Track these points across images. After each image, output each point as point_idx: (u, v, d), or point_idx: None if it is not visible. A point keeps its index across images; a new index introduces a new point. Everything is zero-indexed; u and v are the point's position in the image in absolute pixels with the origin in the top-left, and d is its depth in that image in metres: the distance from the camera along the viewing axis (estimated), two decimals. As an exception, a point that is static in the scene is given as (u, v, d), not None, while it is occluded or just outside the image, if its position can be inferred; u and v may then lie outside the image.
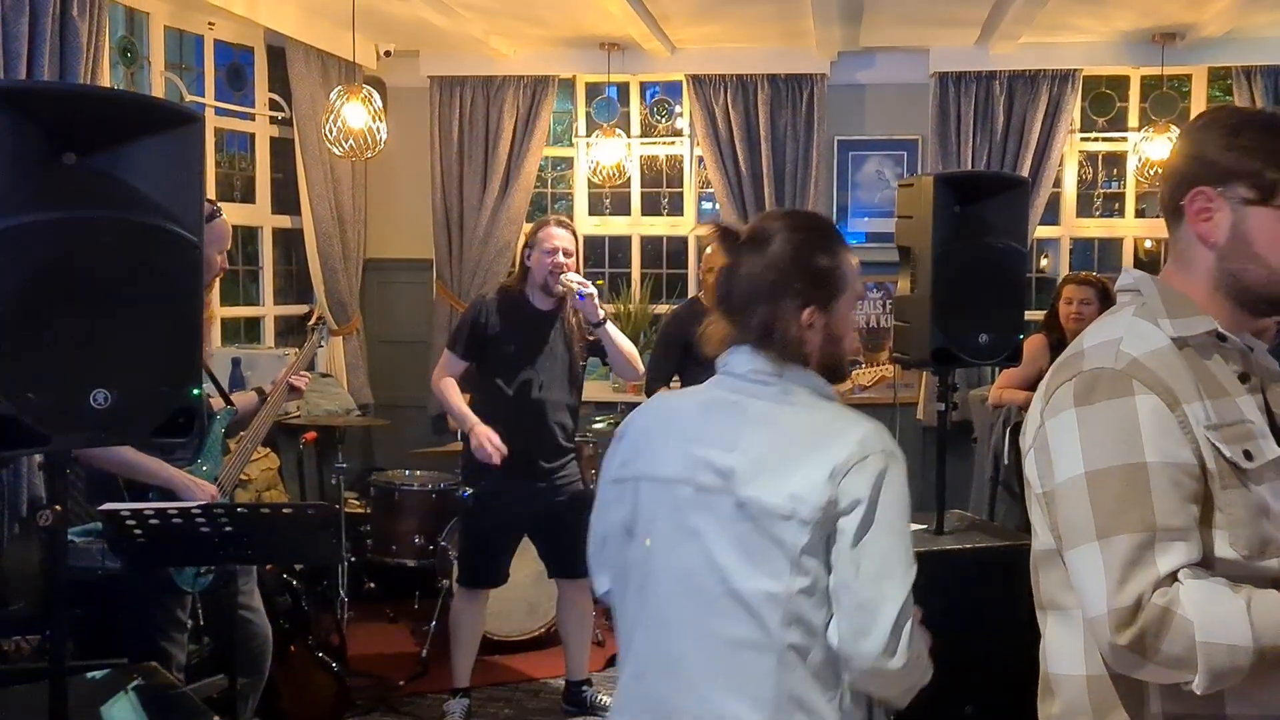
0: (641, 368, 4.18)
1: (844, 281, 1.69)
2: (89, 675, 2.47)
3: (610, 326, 4.01)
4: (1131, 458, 1.28)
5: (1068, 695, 1.42)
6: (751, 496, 1.53)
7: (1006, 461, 4.87)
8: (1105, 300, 4.69)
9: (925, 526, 4.22)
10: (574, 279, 3.87)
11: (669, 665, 1.64)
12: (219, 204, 3.16)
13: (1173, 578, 1.25)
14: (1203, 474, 1.29)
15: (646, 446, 1.77)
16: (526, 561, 4.35)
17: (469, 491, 3.97)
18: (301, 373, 3.49)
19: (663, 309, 6.40)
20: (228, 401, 3.20)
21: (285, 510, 2.72)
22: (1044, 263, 6.73)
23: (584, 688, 4.25)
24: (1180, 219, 1.42)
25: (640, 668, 1.71)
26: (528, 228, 4.10)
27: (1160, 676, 1.28)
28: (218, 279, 3.22)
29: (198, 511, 2.54)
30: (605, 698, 4.24)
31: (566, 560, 4.08)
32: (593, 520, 1.90)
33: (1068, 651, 1.41)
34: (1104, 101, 6.28)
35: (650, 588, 1.69)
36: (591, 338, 4.04)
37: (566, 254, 3.91)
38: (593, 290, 3.89)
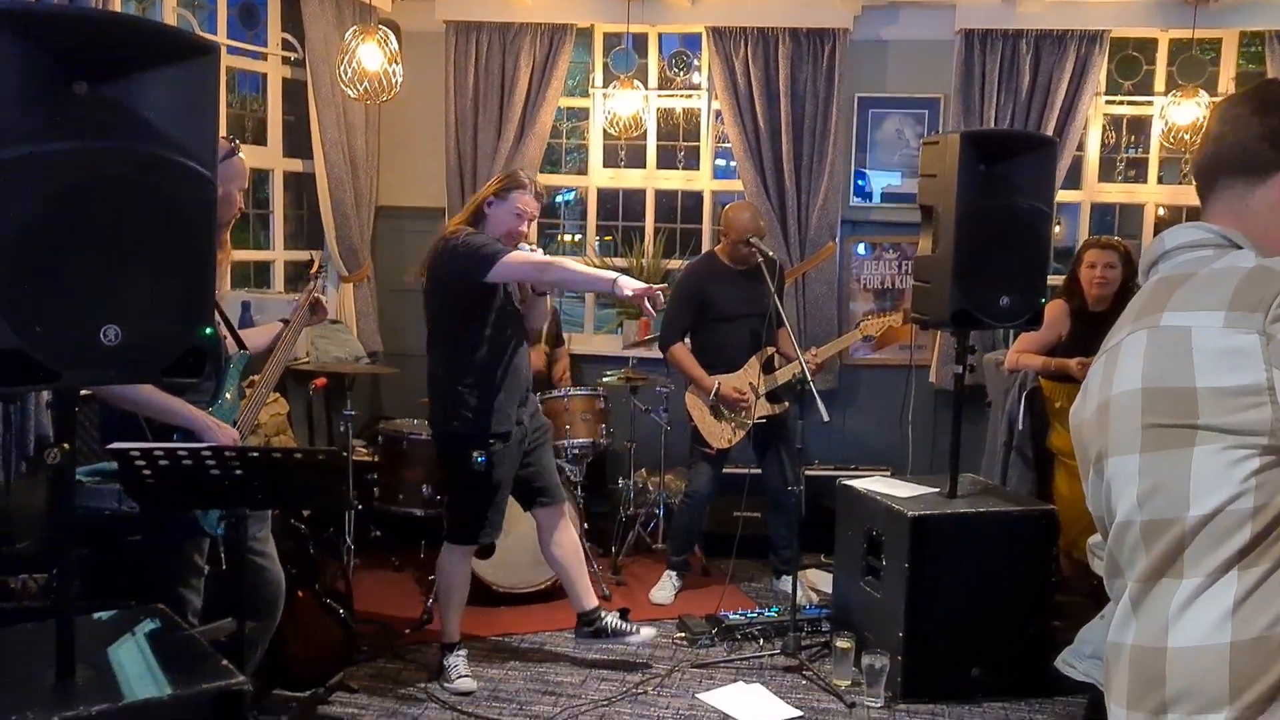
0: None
1: None
2: (96, 616, 2.45)
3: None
4: None
5: (1194, 672, 1.27)
6: None
7: (1021, 426, 4.82)
8: (1128, 265, 4.62)
9: (938, 490, 4.19)
10: (525, 250, 3.93)
11: None
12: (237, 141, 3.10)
13: None
14: None
15: None
16: (530, 515, 4.33)
17: (484, 456, 3.90)
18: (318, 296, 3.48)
19: (675, 264, 6.34)
20: (240, 345, 3.16)
21: (296, 455, 2.69)
22: (1057, 229, 6.63)
23: (598, 614, 4.23)
24: (1262, 181, 1.39)
25: None
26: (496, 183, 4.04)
27: None
28: (235, 218, 3.17)
29: (208, 454, 2.51)
30: (624, 622, 4.24)
31: (545, 485, 4.17)
32: None
33: (1208, 619, 1.27)
34: (1130, 64, 6.17)
35: None
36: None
37: (531, 222, 4.00)
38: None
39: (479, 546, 4.12)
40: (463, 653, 4.11)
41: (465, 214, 4.02)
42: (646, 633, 4.25)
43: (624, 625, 4.23)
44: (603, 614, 4.23)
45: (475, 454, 3.89)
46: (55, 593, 2.34)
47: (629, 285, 3.68)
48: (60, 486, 2.15)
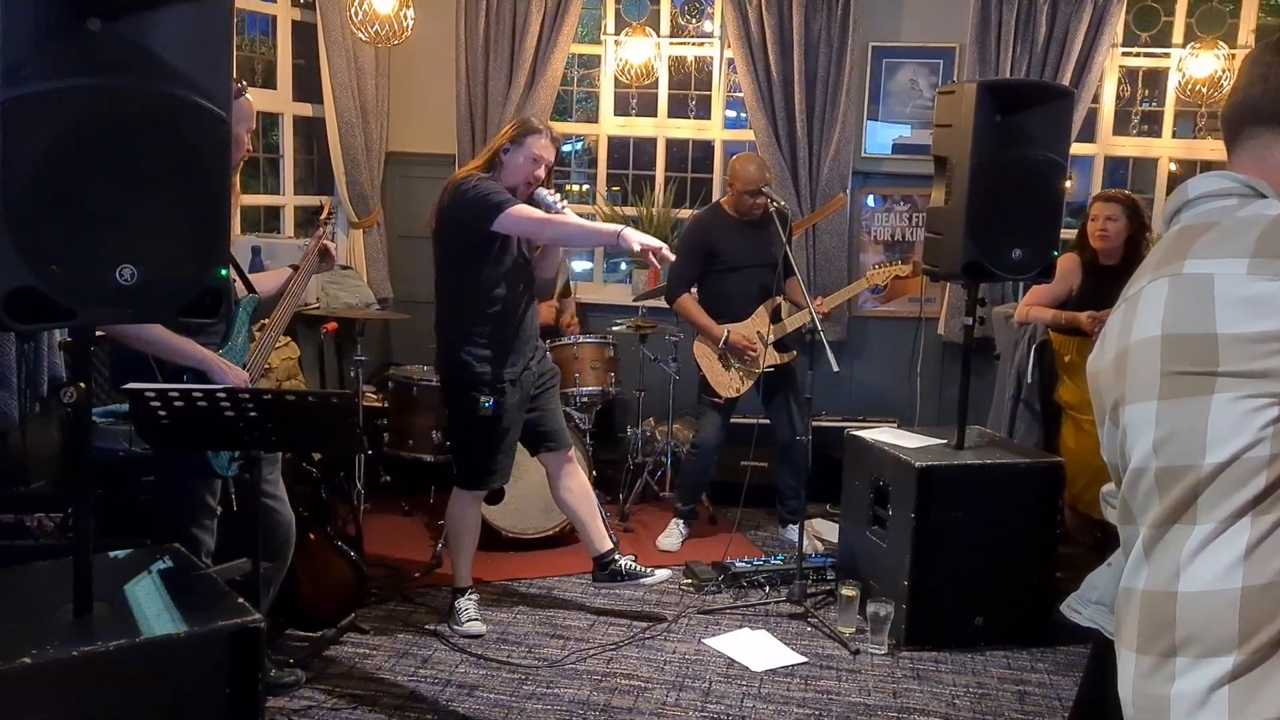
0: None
1: None
2: (112, 554, 2.48)
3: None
4: None
5: (1204, 616, 1.28)
6: None
7: (1029, 379, 4.82)
8: (1134, 218, 4.59)
9: (945, 441, 4.21)
10: (546, 195, 3.88)
11: None
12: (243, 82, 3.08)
13: None
14: None
15: None
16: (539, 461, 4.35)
17: (493, 401, 3.90)
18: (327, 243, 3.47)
19: (685, 214, 6.30)
20: (250, 288, 3.16)
21: (310, 398, 2.70)
22: (1069, 184, 6.54)
23: (612, 556, 4.26)
24: None
25: None
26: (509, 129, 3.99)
27: None
28: (243, 160, 3.16)
29: (222, 395, 2.52)
30: (639, 564, 4.27)
31: (551, 430, 4.17)
32: None
33: (1220, 564, 1.27)
34: (1149, 15, 6.08)
35: None
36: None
37: (548, 168, 3.93)
38: (563, 207, 3.89)
39: (488, 492, 4.15)
40: (473, 597, 4.16)
41: (481, 160, 3.98)
42: (661, 574, 4.28)
43: (639, 567, 4.26)
44: (617, 556, 4.26)
45: (483, 399, 3.89)
46: (72, 531, 2.37)
47: (635, 239, 3.62)
48: (77, 426, 2.16)
